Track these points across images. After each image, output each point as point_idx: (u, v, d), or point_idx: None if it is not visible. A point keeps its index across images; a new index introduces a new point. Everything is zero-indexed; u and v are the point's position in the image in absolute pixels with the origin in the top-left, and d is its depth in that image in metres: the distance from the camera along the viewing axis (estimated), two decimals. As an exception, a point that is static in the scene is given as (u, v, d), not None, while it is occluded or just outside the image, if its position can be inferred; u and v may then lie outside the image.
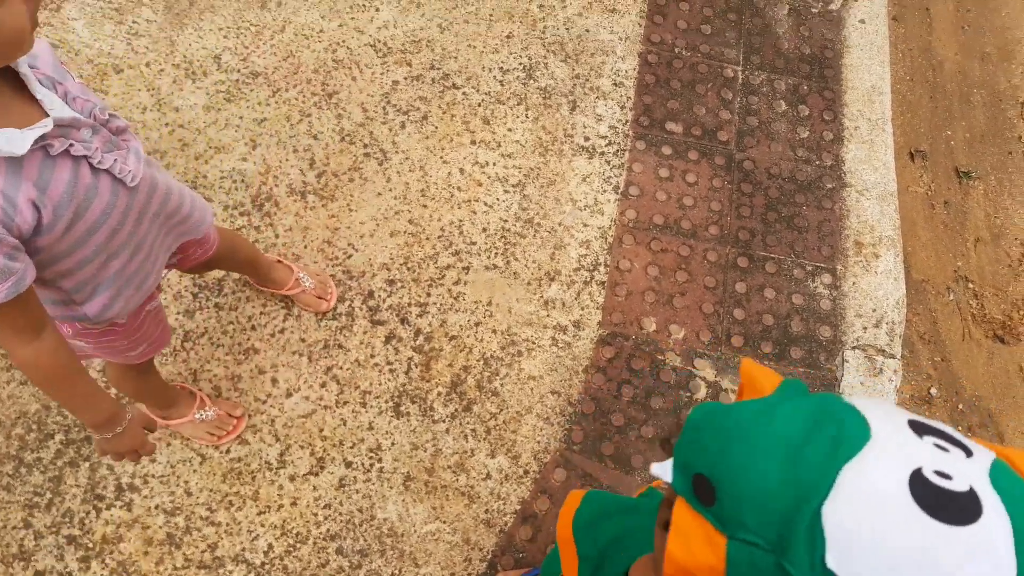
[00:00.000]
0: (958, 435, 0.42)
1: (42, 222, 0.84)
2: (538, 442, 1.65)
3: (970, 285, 2.05)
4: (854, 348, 1.79)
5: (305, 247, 1.81)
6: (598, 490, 0.85)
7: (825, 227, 1.91)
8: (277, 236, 1.82)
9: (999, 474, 0.40)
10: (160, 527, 1.52)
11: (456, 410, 1.66)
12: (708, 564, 0.39)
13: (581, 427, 1.67)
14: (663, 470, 0.43)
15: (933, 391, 1.88)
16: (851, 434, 0.39)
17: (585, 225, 1.88)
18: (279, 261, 1.71)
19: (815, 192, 1.96)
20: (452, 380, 1.69)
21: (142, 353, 1.24)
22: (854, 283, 1.85)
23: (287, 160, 1.91)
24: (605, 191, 1.93)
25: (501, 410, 1.67)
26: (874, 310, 1.83)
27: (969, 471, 0.38)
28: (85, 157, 0.88)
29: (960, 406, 1.89)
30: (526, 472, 1.61)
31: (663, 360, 1.75)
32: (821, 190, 1.96)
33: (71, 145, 0.85)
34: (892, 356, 1.78)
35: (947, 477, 0.37)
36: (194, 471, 1.57)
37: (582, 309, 1.79)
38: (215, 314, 1.74)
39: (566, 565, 0.81)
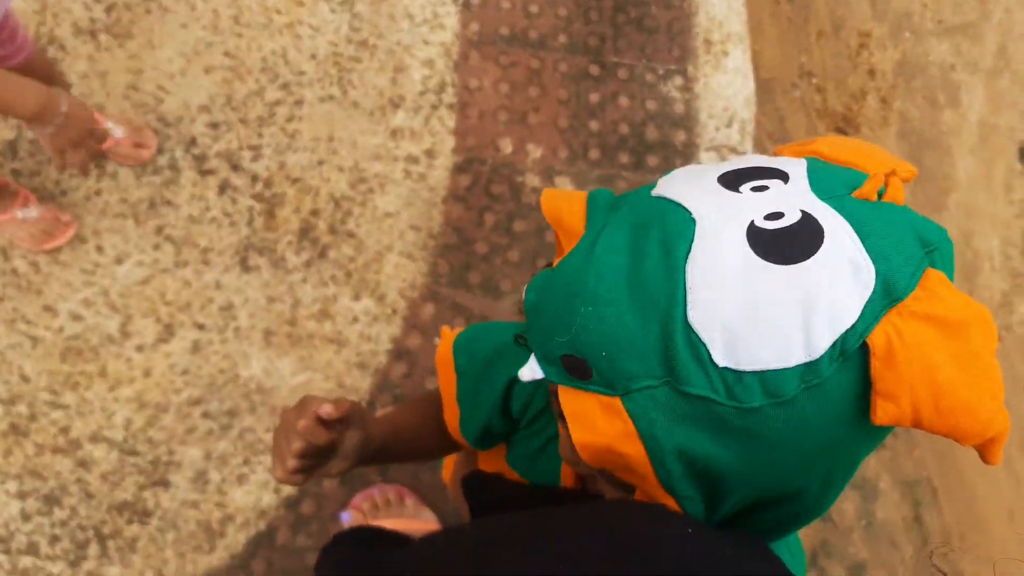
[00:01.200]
0: (769, 162, 0.43)
1: None
2: (403, 279, 1.68)
3: (813, 80, 2.19)
4: (708, 150, 1.89)
5: (107, 95, 1.67)
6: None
7: (675, 26, 1.95)
8: (71, 85, 1.65)
9: (816, 177, 0.41)
10: (0, 419, 1.47)
11: (311, 257, 1.65)
12: (617, 431, 0.39)
13: (446, 259, 1.71)
14: (532, 370, 0.42)
15: (781, 185, 2.05)
16: (675, 230, 0.39)
17: (426, 43, 1.83)
18: (79, 113, 1.57)
19: (663, -10, 1.97)
20: (301, 226, 1.66)
21: None
22: (705, 84, 1.93)
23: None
24: (444, 3, 1.86)
25: (360, 252, 1.68)
26: (725, 109, 1.93)
27: (794, 197, 0.39)
28: None
29: (805, 197, 2.07)
30: (394, 311, 1.66)
31: (522, 182, 1.79)
32: (668, -13, 1.98)
33: None
34: (744, 154, 1.90)
35: (779, 216, 0.38)
36: (27, 356, 1.51)
37: (433, 136, 1.78)
38: (14, 182, 1.60)
39: (443, 388, 0.81)
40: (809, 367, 0.37)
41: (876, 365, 0.36)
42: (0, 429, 1.47)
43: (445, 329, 0.83)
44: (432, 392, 0.88)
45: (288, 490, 1.51)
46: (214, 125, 1.69)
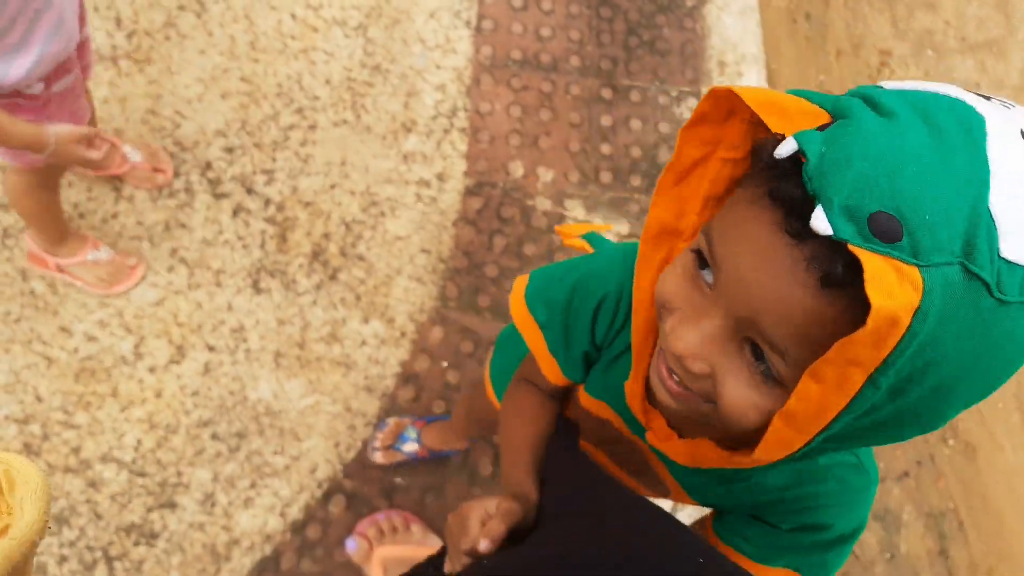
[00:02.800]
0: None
1: None
2: (412, 303, 1.67)
3: (833, 98, 2.15)
4: (721, 172, 1.86)
5: (126, 120, 1.69)
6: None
7: (688, 48, 1.93)
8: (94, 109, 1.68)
9: None
10: (14, 437, 1.48)
11: (321, 280, 1.65)
12: (908, 303, 0.38)
13: (455, 282, 1.70)
14: (823, 222, 0.40)
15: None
16: (967, 117, 0.40)
17: (438, 67, 1.83)
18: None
19: (675, 11, 1.95)
20: (313, 249, 1.67)
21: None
22: (719, 106, 1.90)
23: (88, 22, 1.73)
24: (457, 27, 1.86)
25: (369, 275, 1.67)
26: (739, 132, 1.89)
27: None
28: None
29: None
30: (403, 334, 1.65)
31: (533, 205, 1.78)
32: (682, 9, 1.96)
33: None
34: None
35: None
36: (42, 375, 1.53)
37: (444, 160, 1.77)
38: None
39: (533, 346, 0.82)
40: None
41: None
42: (13, 449, 1.48)
43: (517, 282, 0.83)
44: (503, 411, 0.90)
45: (294, 514, 1.50)
46: (229, 149, 1.70)
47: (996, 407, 1.97)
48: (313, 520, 1.50)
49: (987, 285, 0.38)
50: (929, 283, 0.38)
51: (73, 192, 1.64)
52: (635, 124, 1.86)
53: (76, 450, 1.49)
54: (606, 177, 1.82)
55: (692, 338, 0.51)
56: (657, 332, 0.63)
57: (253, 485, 1.50)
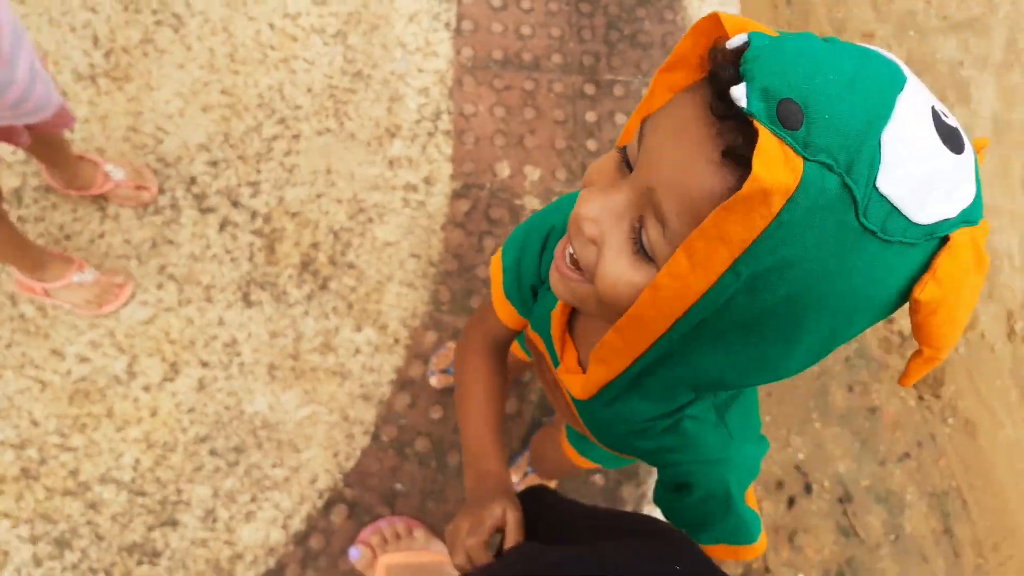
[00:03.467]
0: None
1: None
2: (404, 308, 1.68)
3: (817, 82, 2.16)
4: (708, 163, 1.87)
5: (108, 138, 1.69)
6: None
7: (669, 40, 1.94)
8: (72, 131, 1.68)
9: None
10: (11, 463, 1.49)
11: (312, 290, 1.66)
12: (784, 184, 0.42)
13: (447, 286, 1.71)
14: (740, 93, 0.44)
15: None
16: (896, 71, 0.45)
17: (420, 71, 1.83)
18: (80, 157, 1.60)
19: (656, 4, 1.96)
20: (302, 260, 1.67)
21: None
22: (703, 96, 1.91)
23: (65, 41, 1.74)
24: (436, 29, 1.86)
25: (360, 282, 1.68)
26: (724, 121, 1.91)
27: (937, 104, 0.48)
28: None
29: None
30: (396, 340, 1.66)
31: (521, 205, 1.78)
32: (662, 0, 1.96)
33: None
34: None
35: (947, 115, 0.46)
36: (36, 400, 1.53)
37: (430, 163, 1.78)
38: (20, 228, 1.62)
39: (494, 289, 0.88)
40: (916, 228, 0.44)
41: (946, 256, 0.45)
42: (11, 474, 1.49)
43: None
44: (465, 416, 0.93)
45: (296, 526, 1.51)
46: (213, 163, 1.71)
47: (995, 384, 1.99)
48: (315, 531, 1.51)
49: (855, 203, 0.42)
50: (808, 177, 0.42)
51: (58, 214, 1.65)
52: (620, 119, 1.87)
53: (74, 472, 1.50)
54: (593, 173, 1.83)
55: (596, 204, 0.55)
56: None
57: (254, 499, 1.51)
